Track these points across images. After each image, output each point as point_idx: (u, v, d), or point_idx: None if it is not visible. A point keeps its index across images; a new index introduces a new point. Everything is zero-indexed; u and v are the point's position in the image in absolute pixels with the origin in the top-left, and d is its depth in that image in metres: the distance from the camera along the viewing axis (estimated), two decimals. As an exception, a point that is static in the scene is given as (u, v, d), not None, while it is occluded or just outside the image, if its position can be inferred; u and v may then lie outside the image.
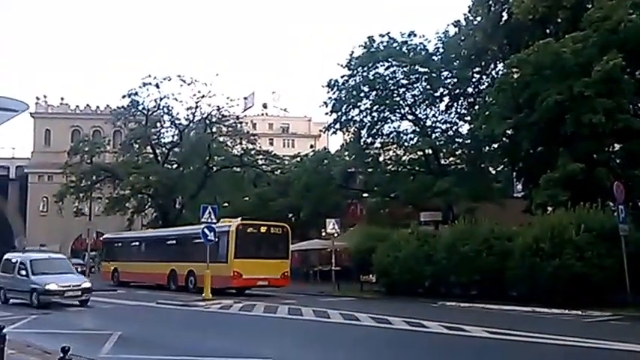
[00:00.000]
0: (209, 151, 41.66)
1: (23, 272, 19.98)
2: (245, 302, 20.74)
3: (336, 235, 28.31)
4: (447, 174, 31.34)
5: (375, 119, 33.56)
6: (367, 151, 34.39)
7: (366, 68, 32.49)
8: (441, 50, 32.33)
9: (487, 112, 25.35)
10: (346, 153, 37.05)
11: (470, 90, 32.15)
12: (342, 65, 32.91)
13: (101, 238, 37.44)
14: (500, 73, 27.71)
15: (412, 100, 33.51)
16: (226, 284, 24.14)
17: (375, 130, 33.92)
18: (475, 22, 29.48)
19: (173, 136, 44.55)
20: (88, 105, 66.40)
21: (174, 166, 44.41)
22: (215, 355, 10.10)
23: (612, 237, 17.83)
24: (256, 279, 24.78)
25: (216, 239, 23.54)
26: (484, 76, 31.26)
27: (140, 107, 42.45)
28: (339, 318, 15.71)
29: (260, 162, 45.15)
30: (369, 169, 35.08)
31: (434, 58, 32.26)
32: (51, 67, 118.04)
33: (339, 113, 33.76)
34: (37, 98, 66.12)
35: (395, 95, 32.99)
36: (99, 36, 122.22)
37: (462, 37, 30.66)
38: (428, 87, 32.58)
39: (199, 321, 16.76)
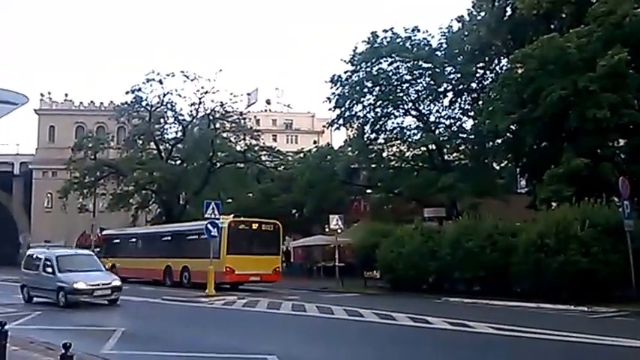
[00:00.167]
0: (212, 147, 41.66)
1: (49, 269, 18.79)
2: (248, 298, 20.76)
3: (339, 231, 28.28)
4: (451, 170, 31.25)
5: (379, 115, 33.49)
6: (371, 147, 34.31)
7: (369, 64, 32.39)
8: (444, 46, 32.22)
9: (491, 108, 25.27)
10: (349, 149, 36.96)
11: (474, 85, 32.06)
12: (345, 61, 32.88)
13: (101, 235, 37.57)
14: (504, 68, 27.65)
15: (416, 95, 33.43)
16: (219, 279, 24.40)
17: (378, 126, 33.86)
18: (479, 18, 29.37)
19: (177, 132, 44.68)
20: (92, 101, 66.47)
21: (178, 162, 44.45)
22: (219, 352, 10.08)
23: (618, 232, 17.75)
24: (248, 274, 25.22)
25: None
26: (488, 72, 31.16)
27: (144, 103, 42.51)
28: (343, 314, 15.69)
29: (263, 158, 45.13)
30: (373, 165, 35.01)
31: (437, 53, 32.15)
32: (55, 64, 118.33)
33: (343, 109, 33.70)
34: (42, 95, 66.32)
35: (398, 91, 32.89)
36: (103, 33, 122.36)
37: (466, 33, 30.55)
38: (431, 82, 32.47)
39: (203, 317, 16.79)
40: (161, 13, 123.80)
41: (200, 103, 42.07)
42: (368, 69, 32.49)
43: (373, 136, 34.34)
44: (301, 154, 42.60)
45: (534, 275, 18.81)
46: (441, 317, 14.06)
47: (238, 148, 44.27)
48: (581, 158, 20.70)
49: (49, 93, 66.88)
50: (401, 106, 33.50)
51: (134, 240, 33.91)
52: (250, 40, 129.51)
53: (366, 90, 32.91)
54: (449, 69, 32.01)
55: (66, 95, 67.42)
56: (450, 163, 33.16)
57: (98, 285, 18.21)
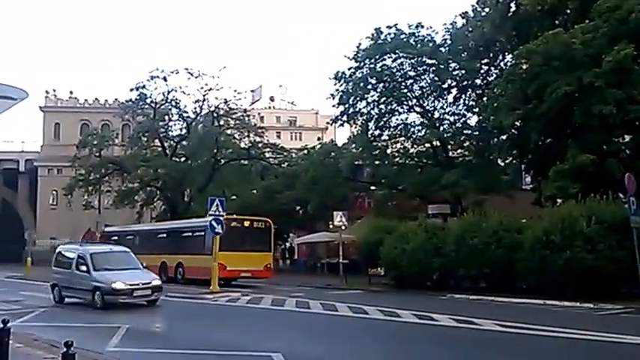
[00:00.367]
0: (217, 144, 41.65)
1: (83, 267, 17.41)
2: (252, 295, 20.76)
3: (343, 227, 28.25)
4: (455, 166, 31.18)
5: (383, 111, 33.43)
6: (374, 144, 34.26)
7: (373, 60, 32.32)
8: (448, 42, 32.14)
9: (495, 104, 25.15)
10: (353, 145, 36.89)
11: (478, 81, 31.92)
12: (349, 57, 32.81)
13: (100, 232, 37.75)
14: (509, 64, 27.52)
15: (420, 91, 33.35)
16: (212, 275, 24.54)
17: (382, 123, 33.80)
18: (483, 14, 29.22)
19: (181, 129, 44.63)
20: (96, 99, 66.58)
21: (183, 159, 44.43)
22: (223, 349, 10.06)
23: (624, 229, 17.63)
24: (240, 270, 25.58)
25: (203, 233, 25.58)
26: (492, 68, 31.02)
27: (148, 100, 42.50)
28: (347, 311, 15.67)
29: (267, 155, 45.12)
30: (377, 162, 34.94)
31: (441, 49, 32.05)
32: (60, 62, 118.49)
33: (347, 105, 33.66)
34: (47, 92, 66.49)
35: (402, 87, 32.83)
36: (107, 30, 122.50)
37: (470, 29, 30.41)
38: (435, 79, 32.38)
39: (207, 314, 16.77)
40: (165, 11, 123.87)
41: (204, 100, 42.11)
42: (372, 65, 32.42)
43: (377, 132, 34.30)
44: (305, 151, 42.57)
45: (540, 272, 18.73)
46: (446, 314, 14.02)
47: (242, 145, 44.25)
48: (586, 154, 20.59)
49: (54, 90, 67.10)
50: (405, 103, 33.43)
51: (131, 237, 34.18)
52: (253, 38, 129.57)
53: (369, 86, 32.87)
54: (453, 65, 31.90)
55: (71, 93, 67.62)
56: (454, 160, 33.08)
57: (138, 285, 16.89)
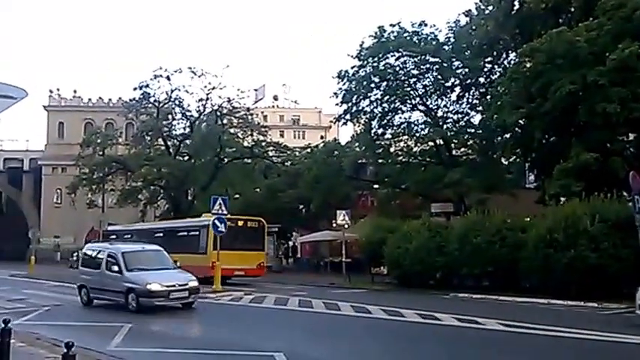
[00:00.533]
0: (220, 143, 41.68)
1: (115, 268, 16.39)
2: (255, 294, 20.75)
3: (346, 226, 28.20)
4: (459, 165, 31.06)
5: (386, 110, 33.34)
6: (378, 142, 34.17)
7: (376, 59, 32.21)
8: (452, 40, 31.99)
9: (499, 102, 25.07)
10: (356, 144, 36.80)
11: (481, 80, 31.80)
12: (352, 56, 32.75)
13: (103, 231, 37.87)
14: (513, 62, 27.38)
15: (423, 90, 33.24)
16: (205, 274, 24.63)
17: (385, 121, 33.71)
18: (486, 12, 29.11)
19: (184, 127, 44.72)
20: (100, 98, 66.68)
21: (186, 157, 44.52)
22: (226, 348, 10.05)
23: (628, 227, 17.45)
24: (233, 269, 25.76)
25: (197, 232, 27.11)
26: (496, 66, 30.89)
27: (152, 99, 42.57)
28: (350, 310, 15.65)
29: (271, 153, 45.12)
30: (380, 160, 34.85)
31: (445, 47, 31.92)
32: (64, 61, 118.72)
33: (350, 104, 33.58)
34: (51, 91, 66.63)
35: (406, 85, 32.71)
36: (111, 30, 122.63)
37: (473, 27, 30.29)
38: (439, 77, 32.27)
39: (210, 313, 16.74)
40: (168, 11, 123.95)
41: (207, 99, 42.14)
42: (375, 64, 32.32)
43: (380, 131, 34.20)
44: (308, 150, 42.52)
45: (543, 271, 18.65)
46: (449, 313, 13.99)
47: (245, 143, 44.28)
48: (590, 153, 20.50)
49: (58, 89, 67.23)
50: (408, 101, 33.33)
51: (129, 236, 34.39)
52: (256, 37, 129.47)
53: (373, 85, 32.77)
54: (456, 63, 31.79)
55: (75, 92, 67.73)
56: (457, 159, 32.96)
57: (174, 286, 15.87)
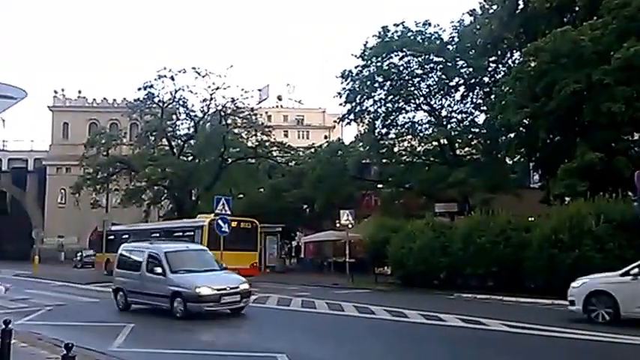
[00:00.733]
0: (224, 143, 41.62)
1: (158, 269, 15.05)
2: (259, 294, 20.66)
3: (350, 226, 28.15)
4: (463, 164, 30.96)
5: (390, 109, 33.27)
6: (382, 142, 34.10)
7: (380, 58, 32.16)
8: (456, 39, 31.92)
9: (503, 102, 24.98)
10: (360, 144, 36.75)
11: (486, 79, 31.71)
12: (356, 56, 32.69)
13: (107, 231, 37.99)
14: (517, 61, 27.29)
15: (427, 90, 33.16)
16: None
17: (389, 121, 33.64)
18: (491, 11, 29.01)
19: (188, 128, 44.64)
20: (104, 98, 66.87)
21: (190, 158, 44.51)
22: (229, 350, 10.01)
23: (633, 227, 17.37)
24: (228, 268, 25.81)
25: (192, 233, 27.66)
26: (500, 65, 30.80)
27: (156, 100, 42.53)
28: (354, 311, 15.59)
29: (275, 153, 45.05)
30: (384, 160, 34.80)
31: (449, 47, 31.85)
32: (69, 62, 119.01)
33: (354, 104, 33.54)
34: (55, 92, 66.89)
35: (409, 85, 32.65)
36: (115, 30, 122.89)
37: (478, 26, 30.19)
38: (443, 76, 32.20)
39: (212, 312, 16.66)
40: (172, 11, 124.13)
41: (211, 99, 42.05)
42: (379, 63, 32.26)
43: (384, 131, 34.14)
44: (312, 150, 42.50)
45: (548, 271, 18.53)
46: (453, 314, 13.92)
47: (249, 143, 44.22)
48: (595, 152, 20.39)
49: (63, 90, 67.48)
50: (412, 101, 33.26)
51: (126, 236, 34.53)
52: (259, 37, 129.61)
53: (376, 85, 32.72)
54: (460, 63, 31.70)
55: (79, 92, 67.98)
56: (461, 158, 32.87)
57: (225, 289, 14.56)
